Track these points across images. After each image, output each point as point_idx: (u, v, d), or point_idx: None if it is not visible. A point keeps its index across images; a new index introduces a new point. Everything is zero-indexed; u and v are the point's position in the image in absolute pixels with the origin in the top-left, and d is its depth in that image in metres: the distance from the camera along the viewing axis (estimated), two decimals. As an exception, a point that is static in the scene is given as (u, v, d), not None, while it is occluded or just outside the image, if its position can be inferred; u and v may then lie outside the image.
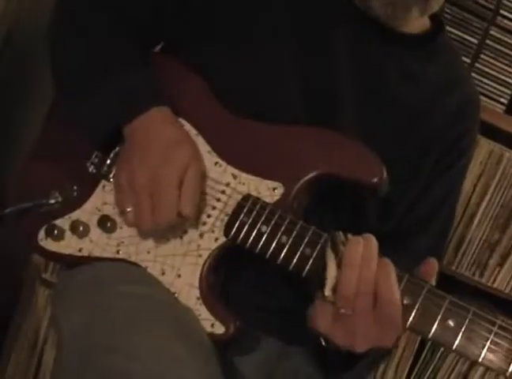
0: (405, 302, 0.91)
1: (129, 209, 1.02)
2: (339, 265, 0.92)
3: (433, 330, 0.90)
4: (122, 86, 1.07)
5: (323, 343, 0.98)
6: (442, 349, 1.96)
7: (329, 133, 1.06)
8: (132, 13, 1.15)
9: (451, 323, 0.89)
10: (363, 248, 0.92)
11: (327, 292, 0.92)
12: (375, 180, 1.01)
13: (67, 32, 1.15)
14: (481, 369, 1.97)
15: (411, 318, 0.91)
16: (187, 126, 1.09)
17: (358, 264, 0.91)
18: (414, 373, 1.98)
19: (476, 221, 1.94)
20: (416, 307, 0.91)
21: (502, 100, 1.92)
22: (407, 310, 0.91)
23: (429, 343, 1.94)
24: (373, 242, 0.93)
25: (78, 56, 1.12)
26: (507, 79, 1.91)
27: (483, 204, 1.94)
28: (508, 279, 1.99)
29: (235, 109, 1.09)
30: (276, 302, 1.13)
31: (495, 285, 1.97)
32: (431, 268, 0.94)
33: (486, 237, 1.96)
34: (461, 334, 0.89)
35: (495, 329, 0.89)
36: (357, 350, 0.93)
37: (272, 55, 1.11)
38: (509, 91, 1.92)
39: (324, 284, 0.92)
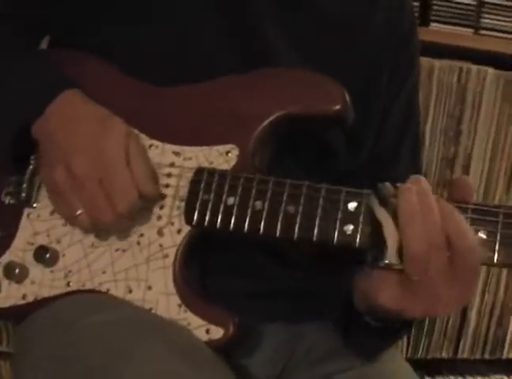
0: (483, 236, 0.74)
1: (79, 211, 0.83)
2: (396, 223, 0.74)
3: None
4: (22, 78, 0.90)
5: (371, 322, 0.82)
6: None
7: (269, 72, 0.90)
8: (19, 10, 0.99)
9: None
10: (417, 194, 0.74)
11: (392, 259, 0.74)
12: (338, 107, 0.86)
13: None
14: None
15: (496, 254, 0.74)
16: None
17: (420, 216, 0.73)
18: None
19: (427, 140, 1.82)
20: (498, 238, 0.74)
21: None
22: (488, 246, 0.74)
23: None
24: (425, 183, 0.75)
25: None
26: (413, -10, 1.79)
27: (429, 120, 1.82)
28: (476, 189, 1.88)
29: (154, 79, 0.92)
30: (267, 285, 0.97)
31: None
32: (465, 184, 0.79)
33: (442, 153, 1.84)
34: None
35: None
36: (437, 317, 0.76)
37: (180, 11, 0.94)
38: (417, 3, 1.80)
39: (382, 250, 0.74)
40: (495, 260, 0.74)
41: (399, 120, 1.06)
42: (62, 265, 0.90)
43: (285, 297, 0.97)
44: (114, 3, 0.95)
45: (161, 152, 0.89)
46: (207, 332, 0.83)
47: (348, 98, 0.86)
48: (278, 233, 0.81)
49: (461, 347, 1.93)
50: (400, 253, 0.74)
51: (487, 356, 1.96)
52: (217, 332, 0.83)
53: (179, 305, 0.85)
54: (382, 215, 0.75)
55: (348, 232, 0.78)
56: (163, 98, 0.91)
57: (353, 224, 0.78)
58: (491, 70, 1.83)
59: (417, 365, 1.91)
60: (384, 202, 0.76)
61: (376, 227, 0.76)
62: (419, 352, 1.90)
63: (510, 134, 1.87)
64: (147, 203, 0.86)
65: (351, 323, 0.89)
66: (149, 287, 0.86)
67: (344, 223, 0.78)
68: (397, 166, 1.06)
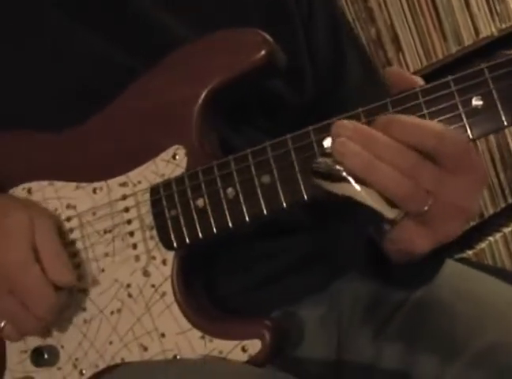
0: (479, 102, 0.64)
1: (2, 324, 0.76)
2: (357, 181, 0.64)
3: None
4: None
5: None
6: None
7: (176, 55, 0.79)
8: None
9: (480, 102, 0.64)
10: (352, 139, 0.64)
11: (392, 214, 0.64)
12: (264, 52, 0.74)
13: None
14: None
15: (502, 113, 0.64)
16: (28, 185, 0.82)
17: (373, 159, 0.63)
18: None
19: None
20: (496, 96, 0.64)
21: None
22: (489, 111, 0.65)
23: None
24: (347, 122, 0.66)
25: None
26: None
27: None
28: (421, 53, 1.79)
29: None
30: (279, 262, 0.86)
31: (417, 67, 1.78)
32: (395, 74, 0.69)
33: (366, 38, 1.74)
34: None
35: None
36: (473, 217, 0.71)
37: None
38: None
39: (377, 213, 0.65)
40: (505, 122, 0.64)
41: (327, 26, 0.95)
42: (66, 357, 0.79)
43: (302, 266, 0.87)
44: None
45: (108, 191, 0.78)
46: (243, 350, 0.73)
47: (269, 38, 0.76)
48: (265, 211, 0.70)
49: (483, 209, 1.87)
50: (390, 201, 0.64)
51: (510, 200, 1.91)
52: (255, 346, 0.73)
53: (202, 338, 0.74)
54: (344, 189, 0.65)
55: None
56: (82, 136, 0.81)
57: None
58: None
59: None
60: (332, 176, 0.65)
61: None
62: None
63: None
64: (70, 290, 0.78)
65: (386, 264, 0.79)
66: (163, 335, 0.76)
67: None
68: (345, 72, 0.95)
